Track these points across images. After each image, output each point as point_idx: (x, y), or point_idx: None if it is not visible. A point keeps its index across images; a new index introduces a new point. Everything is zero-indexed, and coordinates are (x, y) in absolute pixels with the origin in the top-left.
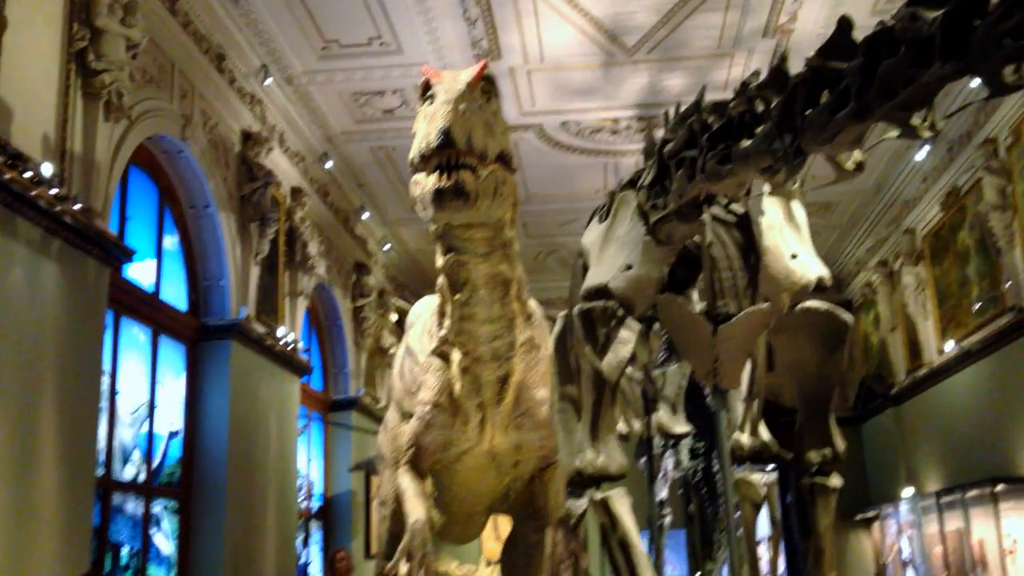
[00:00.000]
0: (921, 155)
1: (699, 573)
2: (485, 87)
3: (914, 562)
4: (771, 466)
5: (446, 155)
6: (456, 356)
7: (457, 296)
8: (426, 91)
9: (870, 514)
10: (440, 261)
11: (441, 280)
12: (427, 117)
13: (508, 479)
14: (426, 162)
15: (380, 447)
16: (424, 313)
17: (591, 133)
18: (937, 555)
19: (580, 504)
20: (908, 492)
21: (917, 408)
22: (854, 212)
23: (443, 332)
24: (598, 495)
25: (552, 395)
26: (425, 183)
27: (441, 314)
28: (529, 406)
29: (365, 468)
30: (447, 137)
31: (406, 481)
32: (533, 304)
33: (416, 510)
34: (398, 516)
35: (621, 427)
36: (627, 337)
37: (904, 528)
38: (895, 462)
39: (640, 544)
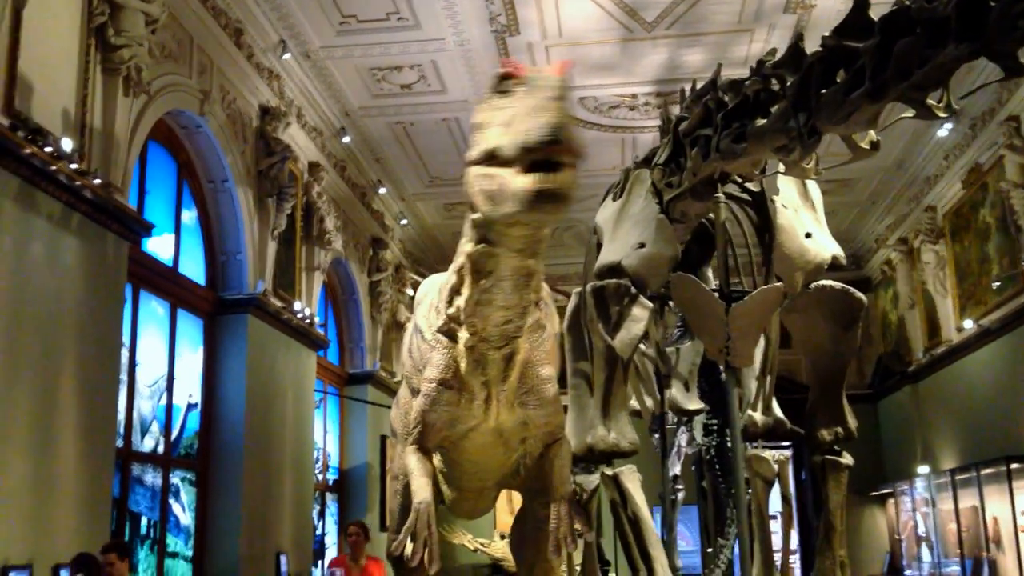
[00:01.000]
0: (943, 132)
1: (711, 549)
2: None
3: (929, 539)
4: (786, 443)
5: (551, 152)
6: (463, 335)
7: (481, 283)
8: (500, 83)
9: (885, 491)
10: (469, 248)
11: (464, 263)
12: (521, 110)
13: (517, 455)
14: (524, 155)
15: (393, 422)
16: (431, 291)
17: (609, 109)
18: (951, 532)
19: (592, 480)
20: (923, 469)
21: (934, 386)
22: (875, 189)
23: (452, 310)
24: (609, 471)
25: (555, 372)
26: (510, 179)
27: (454, 292)
28: (534, 383)
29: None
30: (558, 133)
31: (413, 461)
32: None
33: (422, 490)
34: (409, 491)
35: (635, 404)
36: (640, 315)
37: (919, 505)
38: (911, 439)
39: (650, 519)
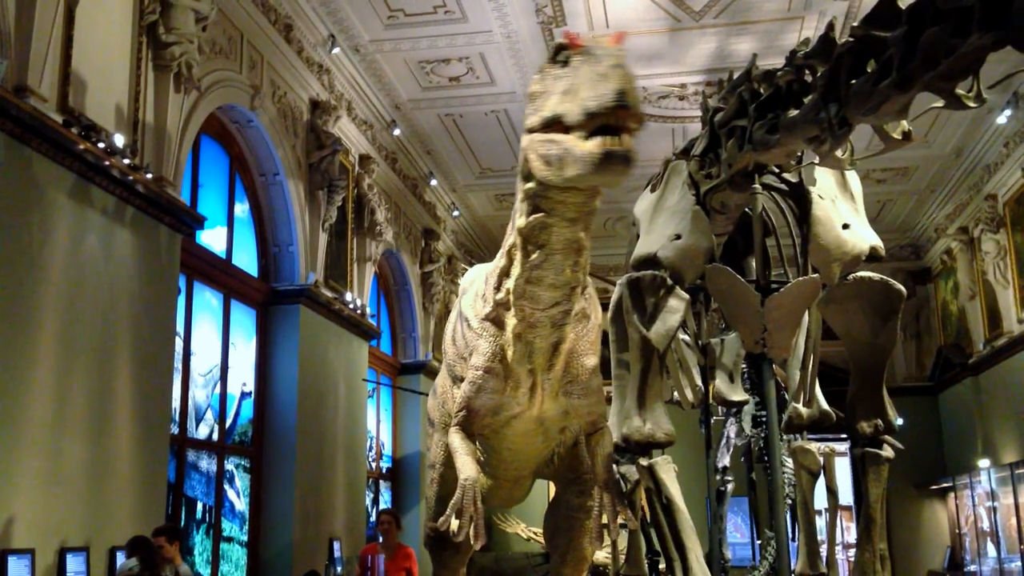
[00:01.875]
0: (1002, 119)
1: (759, 541)
2: None
3: (995, 534)
4: (842, 436)
5: (618, 116)
6: (512, 321)
7: (532, 257)
8: (558, 53)
9: (945, 484)
10: (522, 221)
11: (514, 240)
12: (583, 78)
13: (554, 444)
14: (590, 120)
15: (430, 412)
16: (477, 280)
17: (658, 99)
18: (1012, 527)
19: (636, 470)
20: (984, 463)
21: (995, 378)
22: (933, 178)
23: (500, 295)
24: (644, 462)
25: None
26: (575, 143)
27: (503, 275)
28: (578, 373)
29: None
30: (624, 98)
31: (457, 440)
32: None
33: (467, 467)
34: (445, 479)
35: (678, 395)
36: (676, 306)
37: (981, 499)
38: (972, 432)
39: (684, 509)
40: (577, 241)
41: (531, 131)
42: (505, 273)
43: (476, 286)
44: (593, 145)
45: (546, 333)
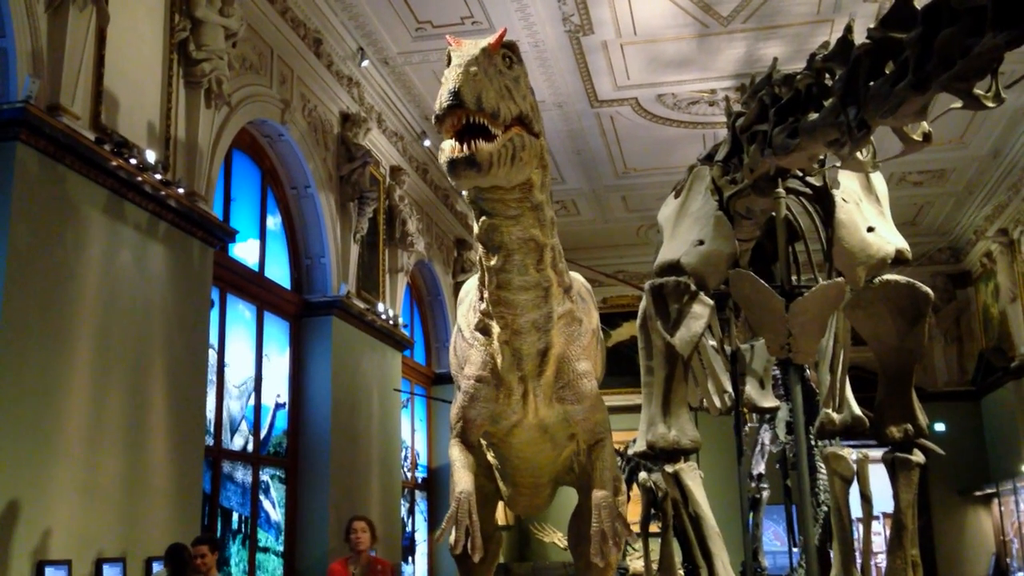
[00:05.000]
0: None
1: (796, 548)
2: (505, 53)
3: None
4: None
5: (457, 116)
6: (496, 329)
7: (493, 261)
8: (449, 59)
9: (989, 491)
10: (476, 228)
11: (479, 248)
12: (444, 82)
13: (568, 451)
14: (440, 124)
15: (451, 420)
16: (472, 291)
17: (688, 105)
18: None
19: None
20: None
21: None
22: (971, 179)
23: (483, 306)
24: (670, 469)
25: (597, 367)
26: (444, 151)
27: (482, 285)
28: (571, 378)
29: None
30: (457, 98)
31: (455, 453)
32: (576, 277)
33: (463, 480)
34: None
35: (706, 402)
36: (700, 312)
37: None
38: (1015, 437)
39: (711, 516)
40: (532, 239)
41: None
42: (483, 283)
43: (470, 297)
44: (445, 151)
45: (532, 339)
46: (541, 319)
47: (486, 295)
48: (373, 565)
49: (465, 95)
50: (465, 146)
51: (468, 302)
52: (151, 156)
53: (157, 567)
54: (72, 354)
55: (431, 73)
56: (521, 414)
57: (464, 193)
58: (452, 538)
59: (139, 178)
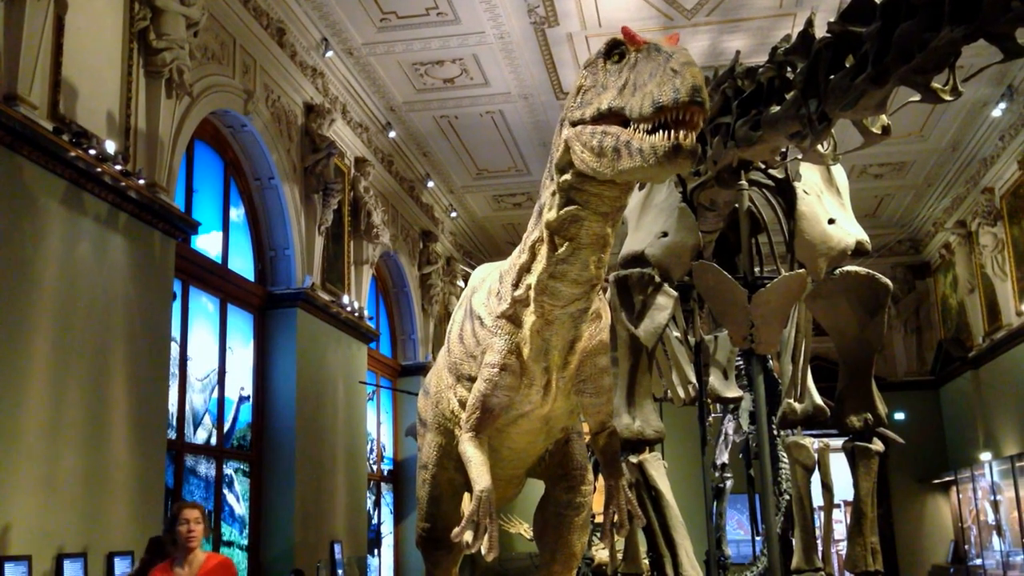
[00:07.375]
0: (997, 112)
1: (759, 536)
2: None
3: (998, 527)
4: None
5: (692, 112)
6: (530, 318)
7: (560, 251)
8: (612, 50)
9: (947, 478)
10: (552, 215)
11: (539, 234)
12: (648, 74)
13: (549, 443)
14: (657, 114)
15: (421, 411)
16: (489, 278)
17: None
18: (1015, 520)
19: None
20: (986, 456)
21: (996, 371)
22: (930, 172)
23: (519, 292)
24: (634, 459)
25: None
26: (636, 136)
27: (523, 271)
28: (591, 372)
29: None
30: (700, 95)
31: (471, 449)
32: None
33: (483, 478)
34: (437, 480)
35: (670, 392)
36: (664, 303)
37: (984, 493)
38: (973, 426)
39: (674, 506)
40: (604, 236)
41: (577, 124)
42: (526, 269)
43: (488, 284)
44: (659, 139)
45: (563, 331)
46: (578, 312)
47: (531, 281)
48: (207, 562)
49: (704, 96)
50: (683, 133)
51: (487, 288)
52: (111, 147)
53: (119, 562)
54: (30, 347)
55: (396, 64)
56: (537, 404)
57: (561, 178)
58: (469, 536)
59: (98, 169)
